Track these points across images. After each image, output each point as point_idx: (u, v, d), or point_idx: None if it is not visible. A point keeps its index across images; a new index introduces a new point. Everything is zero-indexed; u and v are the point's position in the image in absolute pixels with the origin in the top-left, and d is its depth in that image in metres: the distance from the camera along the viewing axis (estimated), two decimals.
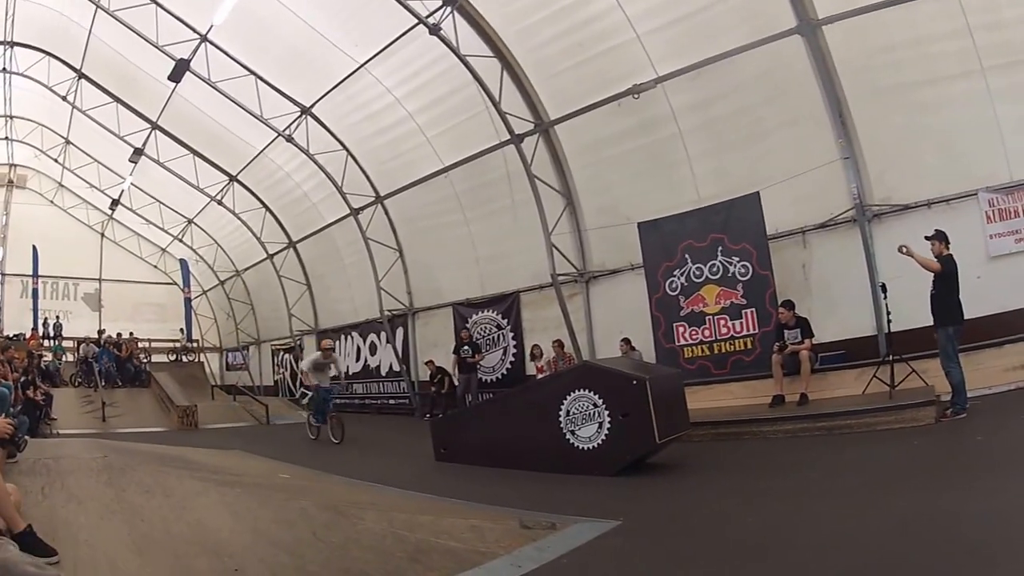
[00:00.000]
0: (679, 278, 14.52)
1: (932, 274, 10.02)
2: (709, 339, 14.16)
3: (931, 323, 10.22)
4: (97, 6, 19.69)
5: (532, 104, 16.57)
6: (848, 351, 12.79)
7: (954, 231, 10.55)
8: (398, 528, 6.26)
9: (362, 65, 18.53)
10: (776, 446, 10.13)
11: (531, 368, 17.77)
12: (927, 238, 10.22)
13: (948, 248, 10.13)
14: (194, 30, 19.38)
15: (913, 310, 11.41)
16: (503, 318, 19.02)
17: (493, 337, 19.27)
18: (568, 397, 9.34)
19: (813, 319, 12.60)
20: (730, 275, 13.98)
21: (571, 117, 16.17)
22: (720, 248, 14.06)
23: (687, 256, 14.41)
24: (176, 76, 19.73)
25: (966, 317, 9.96)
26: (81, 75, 23.82)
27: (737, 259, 13.91)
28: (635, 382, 8.88)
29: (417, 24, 16.09)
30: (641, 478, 8.63)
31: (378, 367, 23.70)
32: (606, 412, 9.03)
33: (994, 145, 12.15)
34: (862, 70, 12.98)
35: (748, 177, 14.08)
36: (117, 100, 24.17)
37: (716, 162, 14.72)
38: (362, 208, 21.97)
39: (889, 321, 11.44)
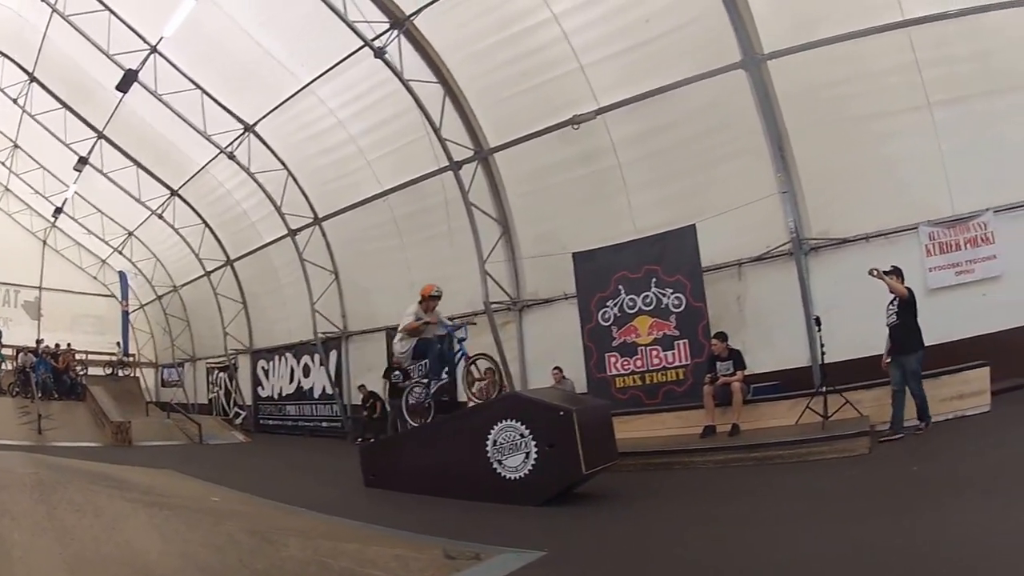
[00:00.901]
0: (612, 309, 13.58)
1: (892, 306, 9.83)
2: (641, 369, 13.26)
3: (866, 355, 10.39)
4: (52, 8, 18.03)
5: (472, 131, 15.47)
6: (782, 382, 12.10)
7: (894, 264, 10.19)
8: (323, 556, 5.90)
9: (307, 85, 17.30)
10: (707, 476, 9.53)
11: (465, 395, 16.24)
12: (885, 273, 9.84)
13: (903, 282, 9.87)
14: (145, 40, 17.86)
15: (847, 342, 11.38)
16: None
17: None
18: (495, 427, 8.71)
19: (748, 351, 11.95)
20: (663, 306, 13.12)
21: (511, 145, 15.16)
22: (654, 279, 13.18)
23: (621, 287, 13.48)
24: (124, 86, 18.29)
25: (894, 353, 9.75)
26: (33, 79, 21.85)
27: (671, 291, 13.04)
28: (562, 413, 8.36)
29: (363, 47, 15.16)
30: (568, 508, 8.05)
31: (311, 389, 22.05)
32: (533, 442, 8.41)
33: (937, 179, 11.79)
34: (806, 104, 12.32)
35: (686, 209, 13.21)
36: (66, 107, 22.19)
37: (654, 194, 13.87)
38: (300, 229, 20.49)
39: (823, 353, 10.92)
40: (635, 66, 13.36)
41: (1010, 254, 11.53)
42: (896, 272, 9.93)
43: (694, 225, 12.78)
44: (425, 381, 10.54)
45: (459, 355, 10.43)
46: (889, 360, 9.78)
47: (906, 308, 9.70)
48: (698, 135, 13.16)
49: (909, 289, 9.81)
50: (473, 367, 10.48)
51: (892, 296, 9.85)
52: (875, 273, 9.79)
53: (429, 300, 10.43)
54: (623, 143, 13.95)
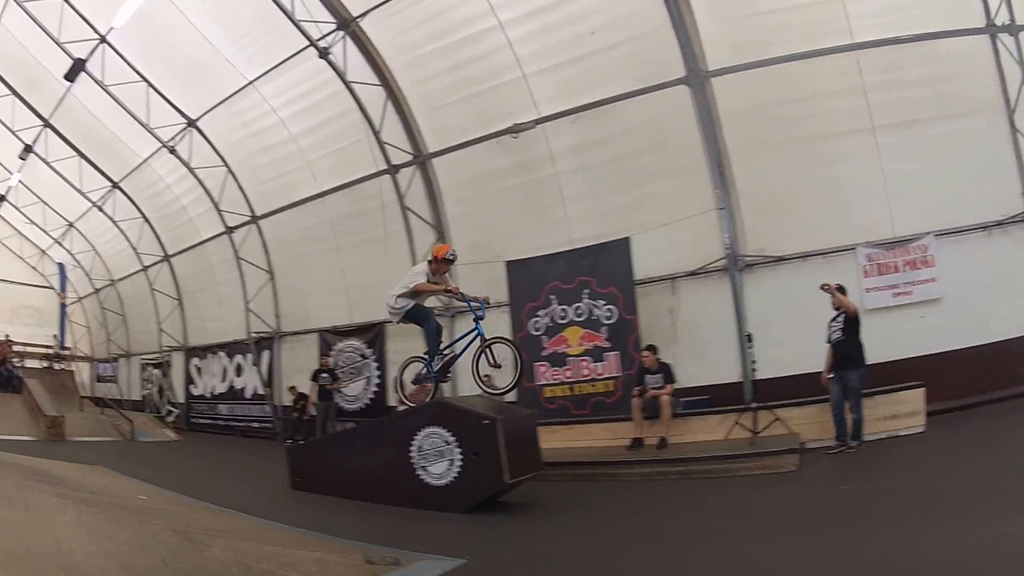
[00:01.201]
0: (543, 318, 13.14)
1: (836, 322, 9.83)
2: (570, 380, 12.86)
3: (798, 372, 10.44)
4: None
5: (412, 135, 14.89)
6: (713, 397, 11.76)
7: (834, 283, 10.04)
8: (244, 558, 5.72)
9: (251, 82, 16.58)
10: (633, 489, 9.31)
11: (394, 399, 15.61)
12: (824, 288, 9.85)
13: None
14: (95, 30, 16.92)
15: (780, 359, 11.31)
16: (368, 348, 16.95)
17: (357, 366, 17.17)
18: (420, 433, 8.48)
19: (680, 364, 11.63)
20: (595, 318, 12.73)
21: (450, 151, 14.60)
22: (587, 291, 12.77)
23: (553, 297, 13.05)
24: (72, 75, 17.52)
25: (838, 369, 9.73)
26: None
27: (603, 302, 12.65)
28: (486, 421, 8.11)
29: (308, 46, 14.59)
30: (492, 517, 7.88)
31: (243, 389, 21.00)
32: (457, 450, 8.20)
33: (879, 201, 11.72)
34: (749, 122, 12.09)
35: (622, 222, 12.81)
36: (14, 93, 20.95)
37: (591, 206, 13.40)
38: (237, 227, 19.58)
39: (754, 369, 11.09)
40: (578, 78, 12.96)
41: (950, 278, 11.47)
42: (841, 289, 9.87)
43: (628, 238, 12.39)
44: (425, 357, 9.35)
45: (474, 335, 9.10)
46: (831, 376, 9.68)
47: (851, 324, 9.64)
48: (638, 149, 12.78)
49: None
50: (487, 352, 8.93)
51: (836, 312, 9.79)
52: (827, 288, 9.74)
53: (442, 263, 9.09)
54: (562, 154, 13.48)
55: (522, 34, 13.23)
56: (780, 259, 12.13)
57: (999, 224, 11.68)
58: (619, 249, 12.46)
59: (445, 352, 9.42)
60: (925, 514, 6.07)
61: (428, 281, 9.01)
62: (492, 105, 13.78)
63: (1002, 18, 11.48)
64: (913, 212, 11.76)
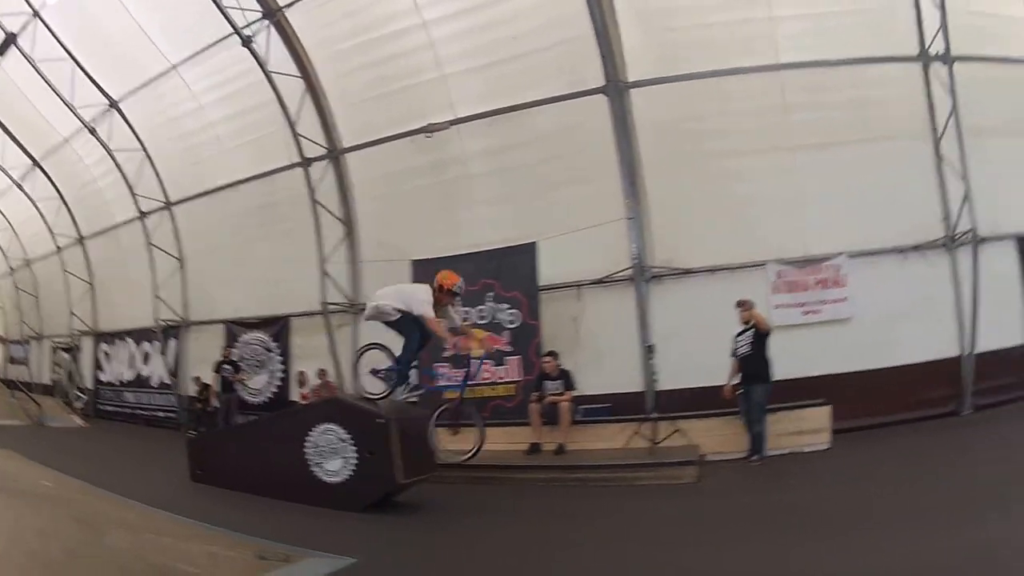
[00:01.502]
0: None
1: (744, 336, 9.83)
2: (471, 382, 12.02)
3: (700, 384, 10.51)
4: None
5: (328, 129, 14.23)
6: (614, 405, 11.47)
7: (737, 298, 10.10)
8: (142, 548, 5.85)
9: (175, 67, 15.80)
10: (529, 494, 9.13)
11: (297, 394, 15.25)
12: (741, 306, 9.88)
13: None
14: (29, 4, 15.94)
15: (683, 371, 11.08)
16: (273, 341, 16.17)
17: (262, 359, 16.41)
18: (316, 429, 8.27)
19: (582, 371, 11.37)
20: (498, 321, 12.41)
21: (364, 147, 13.98)
22: (491, 294, 12.44)
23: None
24: (2, 50, 16.68)
25: (745, 383, 9.72)
26: None
27: (507, 306, 12.34)
28: (380, 420, 7.94)
29: (232, 33, 13.90)
30: (386, 517, 7.79)
31: (150, 377, 19.92)
32: (352, 448, 8.03)
33: (793, 220, 11.64)
34: (665, 134, 11.89)
35: (531, 227, 12.44)
36: None
37: (501, 209, 12.93)
38: (151, 212, 18.54)
39: (655, 380, 10.89)
40: (497, 81, 12.57)
41: (862, 299, 11.47)
42: (750, 304, 9.88)
43: (535, 243, 12.08)
44: (393, 354, 8.53)
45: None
46: (739, 391, 9.68)
47: (760, 340, 9.61)
48: (551, 155, 12.40)
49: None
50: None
51: (744, 327, 9.76)
52: (744, 306, 9.77)
53: (446, 294, 8.51)
54: (475, 156, 13.02)
55: (445, 34, 12.79)
56: (688, 272, 11.89)
57: (916, 248, 11.72)
58: (525, 254, 12.13)
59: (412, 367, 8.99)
60: (818, 530, 6.08)
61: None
62: (409, 103, 13.24)
63: (937, 48, 11.57)
64: (828, 232, 11.69)
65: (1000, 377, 11.74)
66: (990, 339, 11.92)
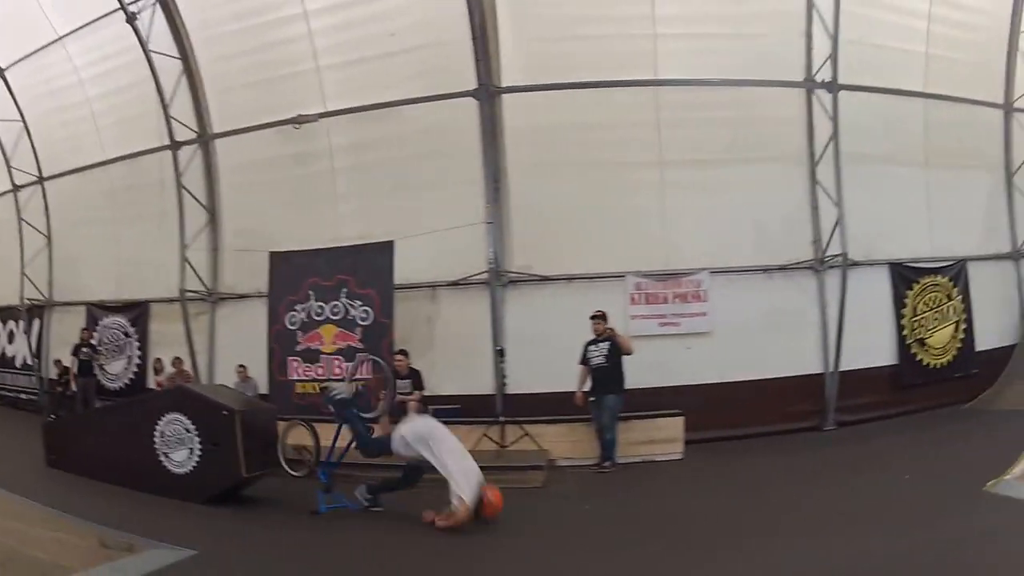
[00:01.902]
0: (300, 313, 12.18)
1: (599, 347, 9.84)
2: (322, 378, 11.88)
3: (552, 390, 10.51)
4: None
5: (200, 114, 13.73)
6: (465, 407, 11.18)
7: (595, 308, 10.18)
8: None
9: (61, 38, 15.25)
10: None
11: (153, 382, 14.62)
12: (595, 316, 9.94)
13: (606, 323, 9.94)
14: None
15: (535, 376, 11.09)
16: (132, 326, 15.48)
17: (120, 344, 15.69)
18: (164, 418, 8.16)
19: (434, 372, 11.22)
20: (351, 318, 11.92)
21: (233, 134, 13.51)
22: (345, 290, 11.95)
23: (311, 293, 12.11)
24: None
25: (598, 393, 9.73)
26: None
27: (360, 303, 11.85)
28: (225, 412, 7.90)
29: (118, 9, 13.37)
30: (230, 509, 7.75)
31: (14, 358, 18.90)
32: (197, 439, 7.95)
33: (656, 234, 11.80)
34: (534, 142, 11.83)
35: (390, 225, 12.04)
36: None
37: (362, 205, 12.60)
38: (23, 186, 17.59)
39: (505, 383, 10.88)
40: (369, 76, 12.32)
41: (722, 314, 11.59)
42: (604, 317, 9.93)
43: (392, 241, 11.69)
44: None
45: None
46: (592, 399, 9.67)
47: (616, 351, 9.63)
48: (417, 154, 12.16)
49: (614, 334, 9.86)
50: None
51: (597, 337, 9.78)
52: (600, 319, 9.84)
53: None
54: (341, 151, 12.67)
55: (324, 25, 12.52)
56: (545, 278, 11.75)
57: (782, 269, 11.78)
58: (382, 251, 11.72)
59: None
60: (656, 539, 6.25)
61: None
62: (282, 93, 12.85)
63: (823, 75, 11.75)
64: (690, 247, 11.80)
65: (864, 395, 12.17)
66: (861, 359, 12.28)
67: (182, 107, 13.66)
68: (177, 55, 13.53)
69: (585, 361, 9.84)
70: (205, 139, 13.65)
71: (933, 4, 13.04)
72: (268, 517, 7.74)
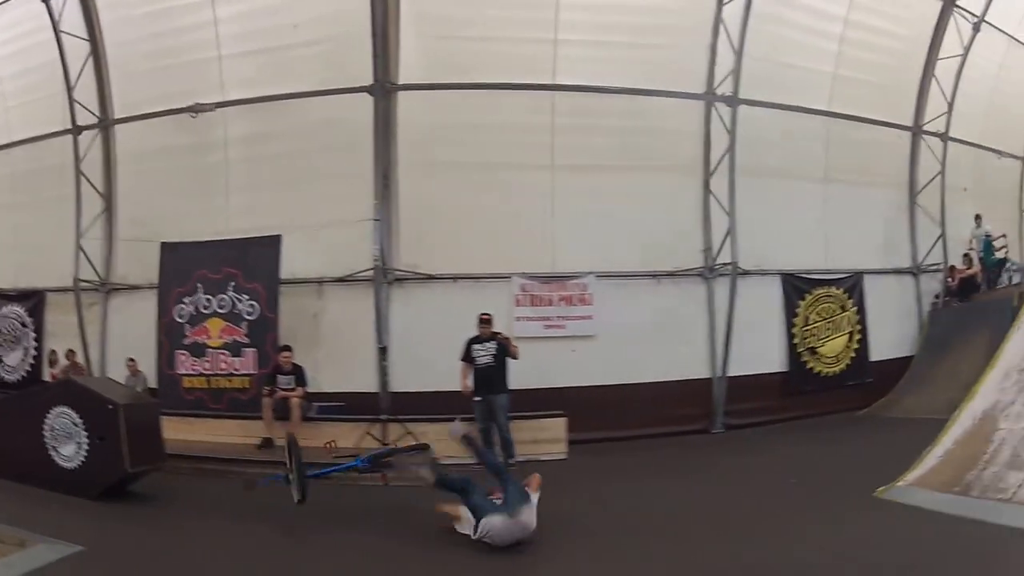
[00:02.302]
0: (188, 306, 12.02)
1: (486, 347, 9.81)
2: (209, 372, 11.89)
3: (434, 389, 10.68)
4: None
5: (104, 98, 13.36)
6: (349, 404, 11.10)
7: (479, 308, 10.21)
8: None
9: None
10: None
11: (48, 374, 14.15)
12: (483, 319, 9.93)
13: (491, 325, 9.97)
14: None
15: (419, 375, 11.10)
16: (29, 316, 14.97)
17: (17, 335, 15.17)
18: (52, 412, 7.99)
19: (320, 368, 11.28)
20: (237, 312, 11.84)
21: (133, 120, 13.13)
22: (233, 283, 11.85)
23: (200, 285, 11.98)
24: None
25: (485, 392, 9.69)
26: None
27: (247, 297, 11.77)
28: (111, 407, 7.79)
29: None
30: (121, 505, 7.63)
31: None
32: (84, 433, 7.79)
33: (544, 237, 11.87)
34: (427, 140, 11.76)
35: (279, 219, 11.94)
36: None
37: (253, 198, 12.32)
38: None
39: (387, 381, 10.81)
40: (269, 68, 12.13)
41: (607, 317, 11.66)
42: (490, 321, 9.97)
43: (279, 235, 11.63)
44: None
45: None
46: (479, 399, 9.61)
47: (503, 352, 9.68)
48: (310, 149, 11.98)
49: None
50: None
51: (482, 336, 9.78)
52: (488, 322, 9.89)
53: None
54: (236, 142, 12.41)
55: (230, 13, 12.29)
56: (431, 277, 11.71)
57: (671, 275, 11.85)
58: (269, 245, 11.63)
59: None
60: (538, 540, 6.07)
61: None
62: (183, 81, 12.55)
63: (725, 89, 11.86)
64: (579, 251, 11.86)
65: (753, 400, 12.39)
66: (751, 365, 12.48)
67: (87, 91, 13.32)
68: (87, 37, 13.16)
69: (468, 359, 9.81)
70: (106, 124, 13.27)
71: (847, 27, 13.27)
72: (155, 514, 7.65)
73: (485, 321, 9.85)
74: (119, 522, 7.14)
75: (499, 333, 9.89)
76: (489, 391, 9.59)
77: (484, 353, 9.73)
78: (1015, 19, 15.18)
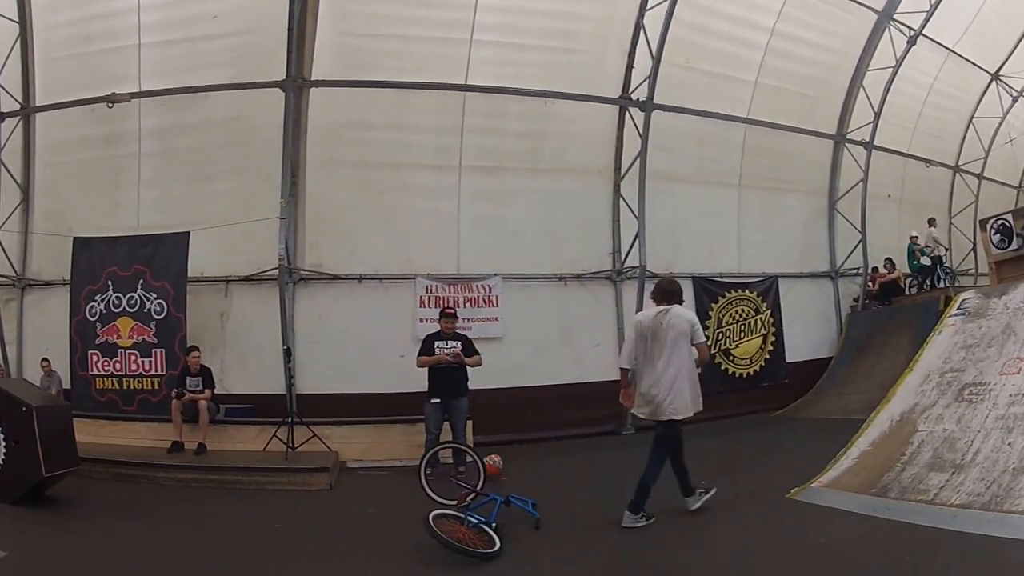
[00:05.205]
0: (100, 304, 11.41)
1: (449, 345, 9.15)
2: (120, 373, 11.29)
3: (339, 391, 10.75)
4: None
5: (28, 84, 12.67)
6: (257, 407, 10.87)
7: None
8: None
9: None
10: (168, 494, 8.50)
11: None
12: (446, 315, 9.34)
13: None
14: None
15: (326, 376, 10.97)
16: None
17: None
18: None
19: (226, 370, 11.03)
20: (146, 311, 11.28)
21: (52, 108, 12.49)
22: (142, 281, 11.29)
23: (110, 283, 11.40)
24: None
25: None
26: None
27: (155, 296, 11.23)
28: (24, 409, 7.31)
29: None
30: (38, 511, 7.25)
31: None
32: (1, 436, 7.28)
33: (450, 238, 11.65)
34: (336, 139, 11.41)
35: (188, 215, 11.44)
36: None
37: (163, 193, 11.86)
38: None
39: (293, 383, 10.24)
40: (187, 59, 11.60)
41: (513, 319, 11.53)
42: (455, 315, 9.55)
43: (188, 233, 11.12)
44: None
45: None
46: (436, 400, 8.92)
47: (469, 352, 9.10)
48: (222, 143, 11.58)
49: None
50: None
51: (444, 332, 9.14)
52: (453, 321, 9.27)
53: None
54: (149, 134, 11.87)
55: (152, 1, 11.73)
56: (335, 277, 11.41)
57: (578, 277, 11.70)
58: (177, 242, 11.13)
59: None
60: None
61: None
62: (102, 69, 11.95)
63: (640, 94, 11.59)
64: (486, 253, 11.62)
65: None
66: None
67: (11, 76, 12.62)
68: (16, 19, 12.43)
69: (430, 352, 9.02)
70: (28, 112, 12.61)
71: (775, 37, 12.95)
72: (73, 519, 7.40)
73: (449, 315, 9.16)
74: (39, 527, 6.92)
75: (465, 336, 9.36)
76: (448, 394, 8.83)
77: (448, 352, 8.97)
78: (955, 33, 14.92)
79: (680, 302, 6.42)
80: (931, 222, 15.59)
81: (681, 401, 6.15)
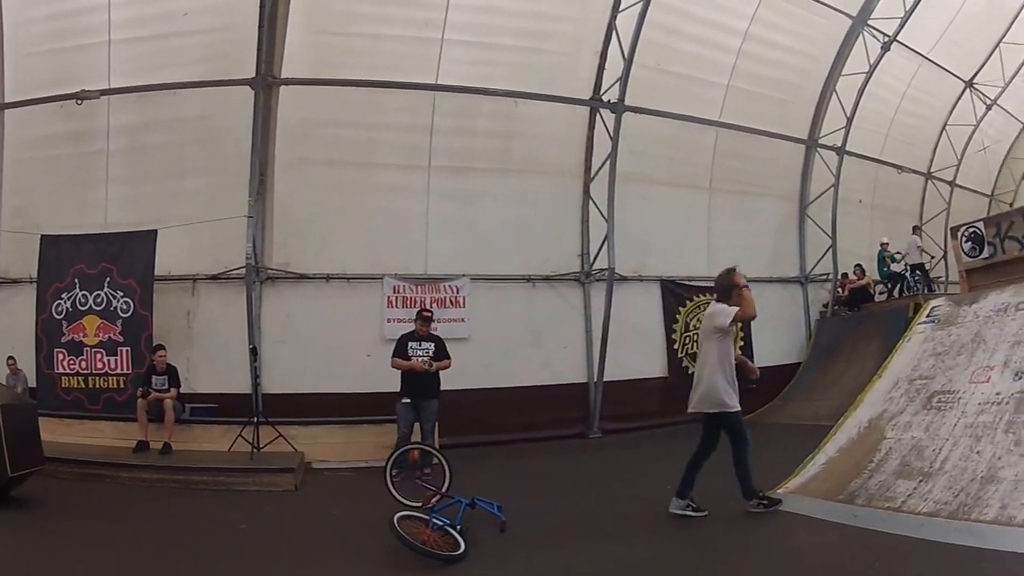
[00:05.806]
0: (66, 302, 11.30)
1: (422, 347, 9.13)
2: (86, 371, 11.19)
3: (304, 391, 10.76)
4: None
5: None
6: (223, 406, 10.81)
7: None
8: None
9: None
10: (133, 494, 8.40)
11: None
12: (423, 316, 9.24)
13: None
14: None
15: (293, 376, 10.93)
16: None
17: None
18: None
19: (193, 368, 10.95)
20: (112, 309, 11.19)
21: (22, 105, 12.25)
22: (108, 279, 11.21)
23: (77, 281, 11.29)
24: None
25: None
26: None
27: (122, 294, 11.16)
28: None
29: None
30: (5, 511, 7.14)
31: None
32: None
33: (417, 238, 11.59)
34: (305, 137, 11.31)
35: (156, 213, 11.35)
36: None
37: (131, 191, 11.68)
38: None
39: (258, 383, 10.20)
40: (157, 56, 11.48)
41: (480, 320, 11.52)
42: (431, 316, 9.42)
43: (155, 231, 11.02)
44: None
45: None
46: (407, 401, 8.84)
47: (441, 354, 9.08)
48: (190, 141, 11.48)
49: None
50: None
51: (418, 333, 9.07)
52: (429, 324, 9.15)
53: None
54: (118, 132, 11.70)
55: None
56: (303, 276, 11.34)
57: (546, 279, 11.67)
58: (144, 241, 11.03)
59: None
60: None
61: None
62: (72, 66, 11.79)
63: (611, 95, 11.52)
64: (453, 253, 11.59)
65: (632, 405, 12.27)
66: (630, 370, 12.34)
67: None
68: None
69: (403, 357, 8.97)
70: None
71: (747, 41, 12.92)
72: (45, 520, 7.27)
73: (426, 318, 9.05)
74: (4, 528, 6.83)
75: (438, 336, 9.30)
76: (420, 395, 8.79)
77: (421, 353, 8.91)
78: (930, 40, 14.96)
79: (726, 300, 6.34)
80: (915, 230, 15.61)
81: (715, 395, 6.20)
